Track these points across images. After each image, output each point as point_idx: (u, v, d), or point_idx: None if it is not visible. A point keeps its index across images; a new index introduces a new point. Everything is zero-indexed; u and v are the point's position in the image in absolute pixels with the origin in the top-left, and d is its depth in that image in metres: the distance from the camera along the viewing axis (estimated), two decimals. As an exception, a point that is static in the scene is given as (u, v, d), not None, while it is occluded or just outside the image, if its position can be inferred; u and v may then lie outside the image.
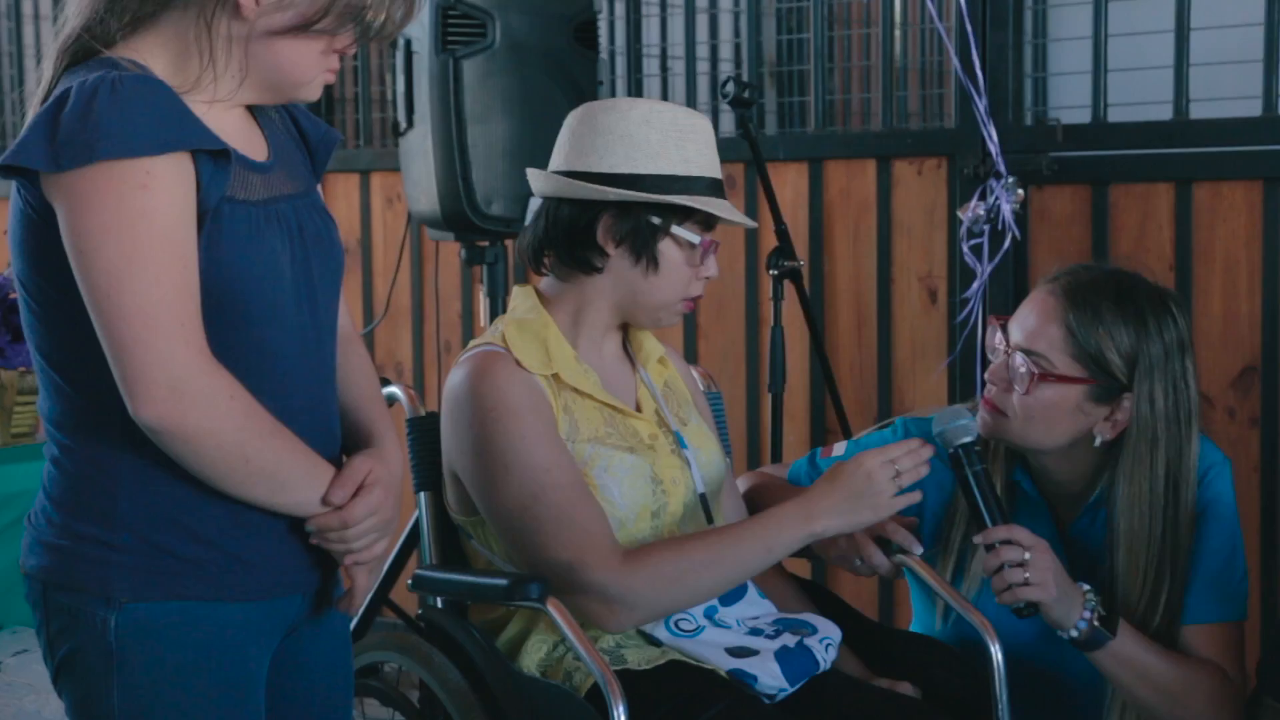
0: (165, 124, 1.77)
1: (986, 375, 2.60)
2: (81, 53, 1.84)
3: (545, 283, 2.49)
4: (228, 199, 1.83)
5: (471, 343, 2.46)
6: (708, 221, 2.43)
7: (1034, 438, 2.56)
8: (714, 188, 2.43)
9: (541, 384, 2.38)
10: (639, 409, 2.50)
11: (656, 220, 2.39)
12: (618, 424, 2.44)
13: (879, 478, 2.35)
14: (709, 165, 2.42)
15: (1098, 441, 2.54)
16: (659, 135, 2.38)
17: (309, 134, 2.05)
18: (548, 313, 2.44)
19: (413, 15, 1.92)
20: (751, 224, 2.52)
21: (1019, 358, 2.53)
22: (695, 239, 2.41)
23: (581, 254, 2.41)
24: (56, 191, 1.76)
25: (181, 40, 1.84)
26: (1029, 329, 2.56)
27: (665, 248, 2.40)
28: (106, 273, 1.74)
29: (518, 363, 2.37)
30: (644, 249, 2.39)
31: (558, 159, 2.45)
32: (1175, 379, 2.52)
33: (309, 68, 1.89)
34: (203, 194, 1.80)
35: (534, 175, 2.46)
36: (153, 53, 1.85)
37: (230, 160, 1.83)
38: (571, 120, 2.46)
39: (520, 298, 2.48)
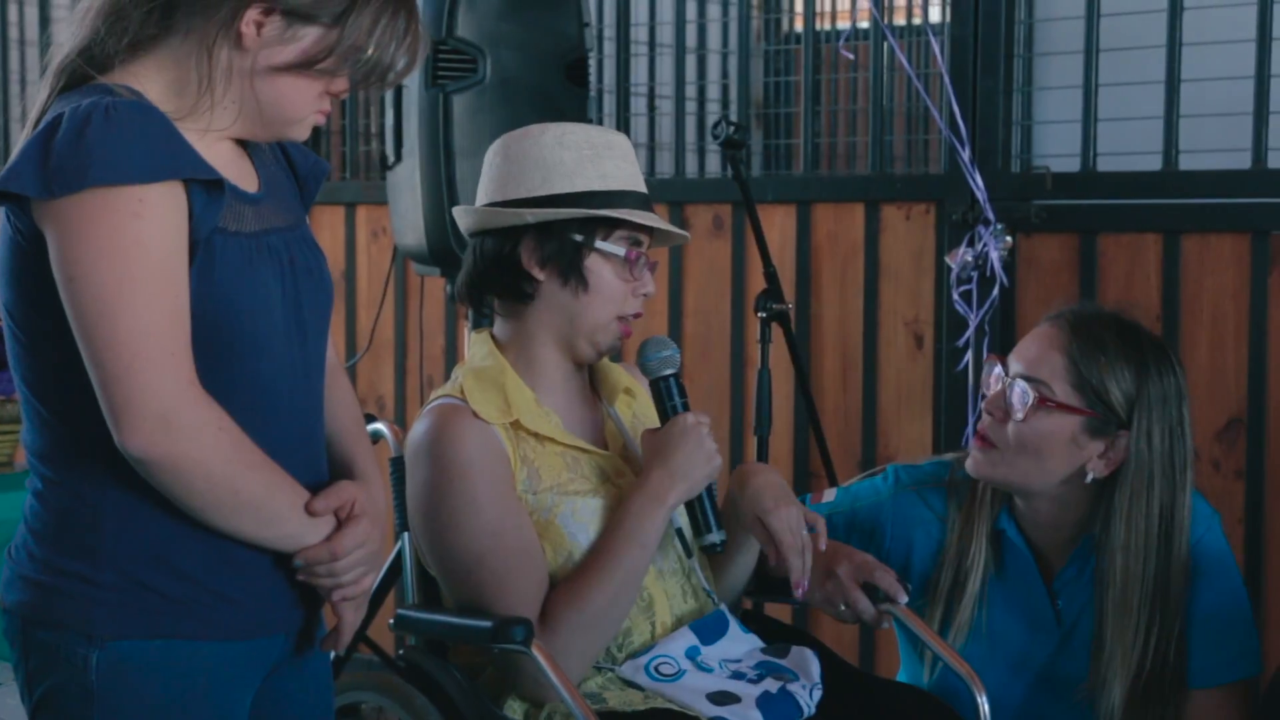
0: (159, 152, 1.75)
1: (983, 406, 2.59)
2: (77, 76, 1.83)
3: (497, 327, 2.48)
4: (220, 230, 1.82)
5: (434, 393, 2.44)
6: (636, 237, 2.42)
7: (1024, 471, 2.54)
8: (639, 201, 2.42)
9: (500, 435, 2.36)
10: (606, 446, 2.48)
11: (579, 237, 2.38)
12: (582, 465, 2.42)
13: (697, 432, 2.37)
14: (629, 179, 2.42)
15: (1089, 478, 2.53)
16: (573, 155, 2.38)
17: (298, 165, 2.04)
18: (504, 358, 2.43)
19: (413, 68, 1.92)
20: (683, 234, 2.50)
21: (1019, 384, 2.53)
22: (620, 251, 2.39)
23: (511, 283, 2.40)
24: (47, 218, 1.74)
25: (180, 66, 1.83)
26: (1030, 357, 2.55)
27: (593, 264, 2.39)
28: (96, 301, 1.72)
29: (475, 414, 2.35)
30: (570, 268, 2.38)
31: (481, 194, 2.45)
32: (1172, 424, 2.52)
33: (302, 107, 1.88)
34: (195, 224, 1.79)
35: (460, 213, 2.46)
36: (150, 77, 1.83)
37: (224, 191, 1.82)
38: (489, 154, 2.47)
39: (476, 345, 2.47)
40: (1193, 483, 2.57)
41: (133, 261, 1.73)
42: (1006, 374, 2.56)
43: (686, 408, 2.42)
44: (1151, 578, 2.52)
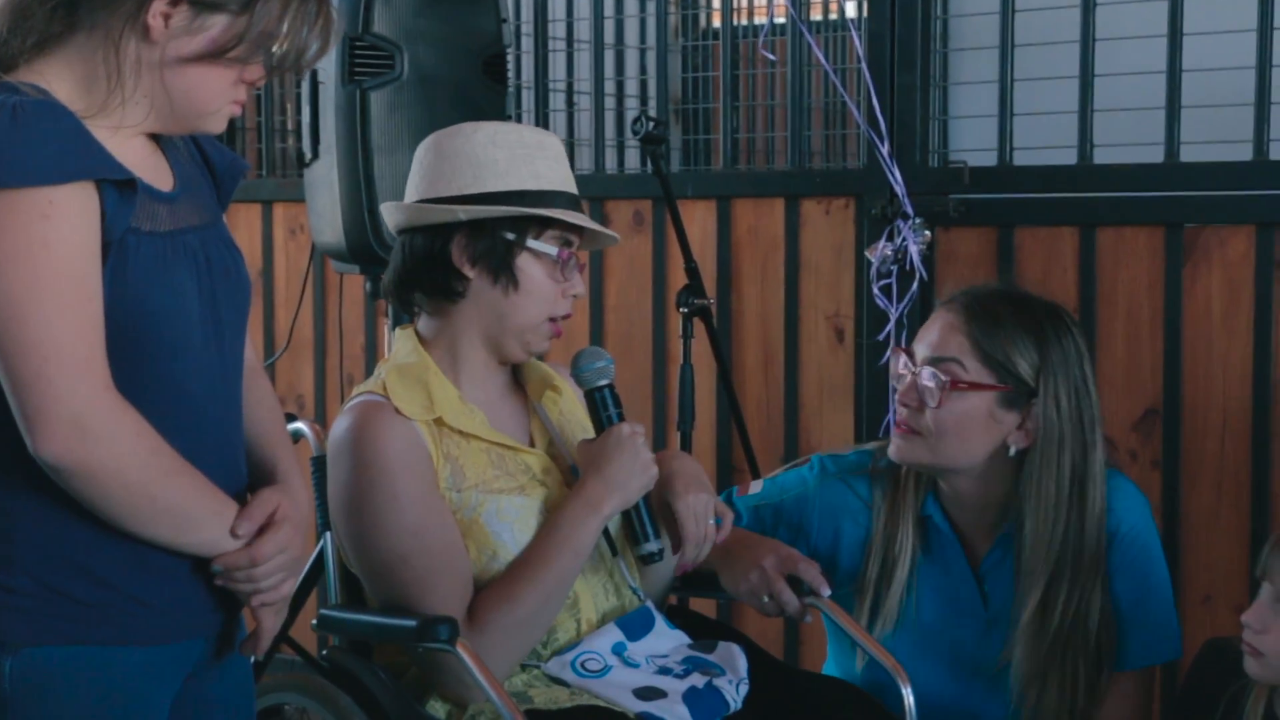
0: (68, 152, 1.72)
1: (897, 398, 2.61)
2: None
3: (422, 324, 2.46)
4: (133, 230, 1.79)
5: (356, 389, 2.43)
6: (567, 237, 2.42)
7: (949, 454, 2.56)
8: (570, 202, 2.42)
9: (423, 432, 2.34)
10: (532, 443, 2.47)
11: (511, 236, 2.37)
12: (507, 463, 2.41)
13: (633, 442, 2.37)
14: (561, 180, 2.42)
15: (1013, 451, 2.56)
16: (506, 154, 2.38)
17: (215, 162, 2.01)
18: (428, 355, 2.41)
19: (327, 50, 1.90)
20: (613, 236, 2.51)
21: (927, 372, 2.56)
22: (552, 251, 2.39)
23: (441, 280, 2.39)
24: (-47, 221, 1.70)
25: (88, 63, 1.80)
26: (933, 343, 2.59)
27: (524, 264, 2.39)
28: (6, 305, 1.69)
29: (398, 411, 2.34)
30: (501, 266, 2.37)
31: (410, 192, 2.44)
32: (1077, 383, 2.56)
33: (216, 97, 1.85)
34: (107, 224, 1.76)
35: (388, 210, 2.44)
36: (58, 75, 1.80)
37: (136, 190, 1.79)
38: (419, 151, 2.45)
39: (401, 341, 2.45)
40: (1104, 438, 2.60)
41: (42, 265, 1.70)
42: (914, 363, 2.59)
43: (622, 418, 2.42)
44: (1061, 536, 2.54)
